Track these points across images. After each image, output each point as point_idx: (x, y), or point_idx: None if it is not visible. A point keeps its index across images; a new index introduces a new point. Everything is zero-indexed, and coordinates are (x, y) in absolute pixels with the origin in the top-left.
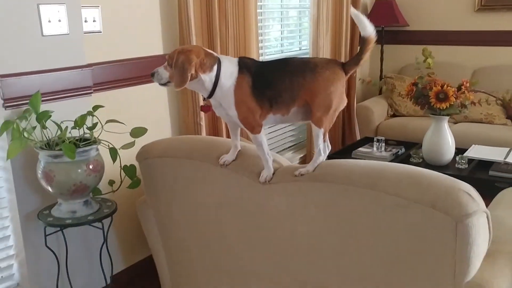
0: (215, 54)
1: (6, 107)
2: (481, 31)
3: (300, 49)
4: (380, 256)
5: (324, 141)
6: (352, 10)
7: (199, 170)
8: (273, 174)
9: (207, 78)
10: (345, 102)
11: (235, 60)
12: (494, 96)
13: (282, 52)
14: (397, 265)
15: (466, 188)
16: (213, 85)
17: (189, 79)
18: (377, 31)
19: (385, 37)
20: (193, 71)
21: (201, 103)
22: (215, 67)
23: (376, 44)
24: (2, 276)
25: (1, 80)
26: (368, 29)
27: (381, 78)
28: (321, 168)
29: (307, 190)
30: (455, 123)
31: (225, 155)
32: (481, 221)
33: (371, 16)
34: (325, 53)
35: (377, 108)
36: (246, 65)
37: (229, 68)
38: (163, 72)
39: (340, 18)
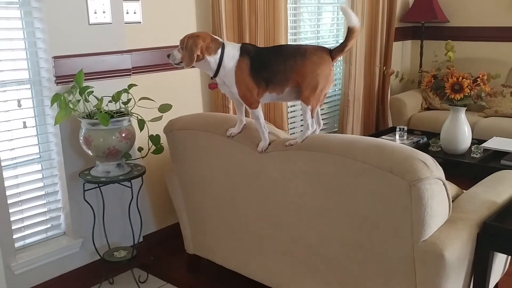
0: (220, 39)
1: (57, 83)
2: None
3: (337, 43)
4: (352, 216)
5: (312, 117)
6: (341, 5)
7: (211, 140)
8: (269, 144)
9: (212, 59)
10: (331, 84)
11: (238, 45)
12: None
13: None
14: (366, 223)
15: (423, 158)
16: (217, 65)
17: (195, 60)
18: (417, 27)
19: (425, 32)
20: (199, 53)
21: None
22: (219, 51)
23: (415, 39)
24: (52, 225)
25: (54, 61)
26: (353, 20)
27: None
28: (307, 140)
29: (295, 158)
30: (486, 117)
31: (232, 128)
32: (434, 187)
33: (411, 12)
34: (359, 46)
35: (411, 101)
36: (247, 50)
37: (231, 52)
38: (177, 54)
39: (376, 12)
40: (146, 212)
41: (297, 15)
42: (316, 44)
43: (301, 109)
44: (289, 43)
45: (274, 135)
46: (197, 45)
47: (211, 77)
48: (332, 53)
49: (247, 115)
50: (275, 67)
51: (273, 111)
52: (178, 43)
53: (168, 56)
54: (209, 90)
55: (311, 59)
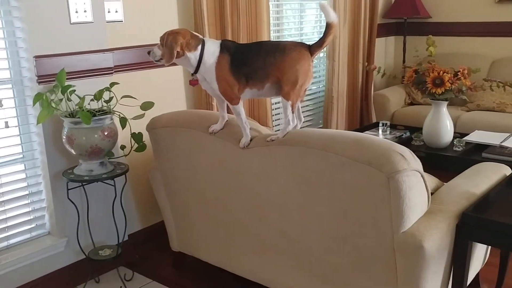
0: (200, 36)
1: (39, 83)
2: (502, 22)
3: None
4: (333, 208)
5: (293, 112)
6: (320, 2)
7: (193, 137)
8: (251, 140)
9: (192, 56)
10: (310, 79)
11: (218, 42)
12: (502, 83)
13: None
14: (346, 216)
15: (400, 150)
16: (197, 62)
17: (175, 56)
18: (400, 23)
19: (407, 28)
20: (179, 49)
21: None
22: (200, 47)
23: (398, 35)
24: (36, 224)
25: (36, 60)
26: (331, 16)
27: None
28: (288, 135)
29: (276, 153)
30: (468, 111)
31: (214, 124)
32: (412, 179)
33: (393, 8)
34: (343, 43)
35: (394, 96)
36: (227, 46)
37: (212, 48)
38: (157, 51)
39: (358, 8)
40: (130, 210)
41: (280, 12)
42: (295, 41)
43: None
44: (271, 40)
45: (256, 131)
46: (177, 41)
47: (192, 74)
48: (311, 48)
49: (229, 111)
50: (255, 63)
51: (257, 108)
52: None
53: (149, 53)
54: (192, 87)
55: (290, 55)
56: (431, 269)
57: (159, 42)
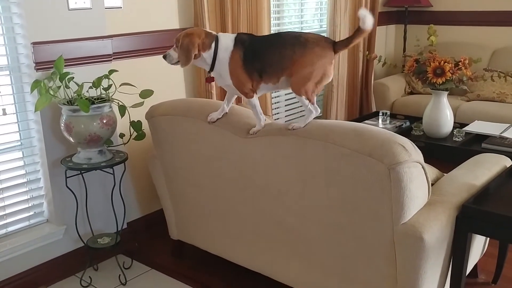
0: (213, 33)
1: (37, 70)
2: (503, 11)
3: (320, 27)
4: (332, 199)
5: (313, 103)
6: (361, 9)
7: (193, 126)
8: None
9: (207, 54)
10: (330, 77)
11: (233, 36)
12: (503, 73)
13: (301, 30)
14: (346, 207)
15: (401, 141)
16: (212, 59)
17: (192, 59)
18: (401, 12)
19: (408, 17)
20: (196, 52)
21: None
22: (213, 44)
23: (399, 24)
24: (35, 212)
25: (33, 47)
26: (368, 24)
27: None
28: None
29: (276, 143)
30: (468, 101)
31: (213, 112)
32: (413, 170)
33: None
34: (342, 31)
35: (394, 86)
36: (241, 40)
37: (225, 43)
38: (173, 54)
39: None
40: (129, 199)
41: None
42: (319, 34)
43: (295, 97)
44: (272, 28)
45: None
46: (194, 43)
47: (208, 72)
48: (336, 46)
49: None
50: (269, 57)
51: None
52: (159, 28)
53: (164, 57)
54: (192, 76)
55: (313, 50)
56: (430, 260)
57: (174, 44)
